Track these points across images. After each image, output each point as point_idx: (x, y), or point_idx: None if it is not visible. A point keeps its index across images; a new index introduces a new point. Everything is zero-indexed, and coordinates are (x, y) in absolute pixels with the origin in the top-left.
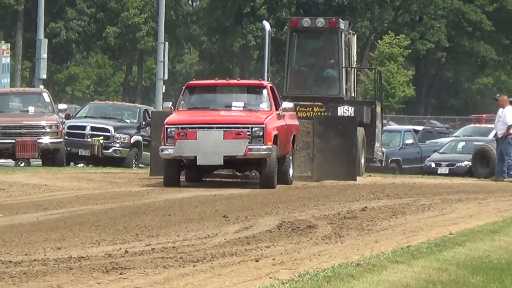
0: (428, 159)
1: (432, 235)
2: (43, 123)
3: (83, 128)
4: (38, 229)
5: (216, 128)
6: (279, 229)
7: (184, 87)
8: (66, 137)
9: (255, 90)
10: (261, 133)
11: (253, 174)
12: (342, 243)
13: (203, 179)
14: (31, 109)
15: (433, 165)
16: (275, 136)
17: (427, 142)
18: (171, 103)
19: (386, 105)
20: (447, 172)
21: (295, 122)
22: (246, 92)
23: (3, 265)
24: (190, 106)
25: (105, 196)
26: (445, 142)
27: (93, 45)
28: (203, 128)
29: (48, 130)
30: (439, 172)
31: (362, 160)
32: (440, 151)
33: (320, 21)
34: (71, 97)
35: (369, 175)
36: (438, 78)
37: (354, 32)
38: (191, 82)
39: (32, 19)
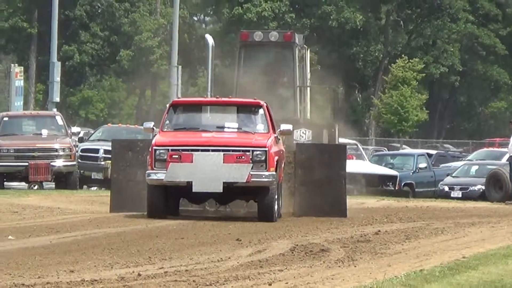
0: (441, 182)
1: (446, 259)
2: (56, 146)
3: (97, 151)
4: (51, 252)
5: (214, 150)
6: (292, 252)
7: (168, 105)
8: (79, 160)
9: (250, 109)
10: (263, 158)
11: (228, 209)
12: (355, 266)
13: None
14: (45, 132)
15: (446, 188)
16: (277, 161)
17: (441, 166)
18: (153, 123)
19: (400, 129)
20: (460, 196)
21: (283, 147)
22: (240, 112)
23: (16, 287)
24: (177, 127)
25: (118, 219)
26: (459, 166)
27: (107, 68)
28: (200, 150)
29: (61, 153)
30: (452, 195)
31: None
32: (454, 175)
33: (274, 35)
34: (85, 120)
35: (383, 199)
36: (451, 102)
37: (307, 47)
38: (177, 99)
39: (46, 42)
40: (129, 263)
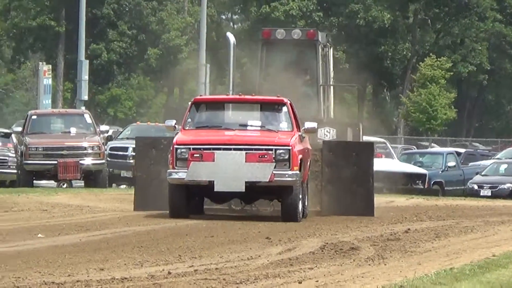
0: (470, 181)
1: (475, 257)
2: (85, 144)
3: (125, 149)
4: (81, 250)
5: (236, 149)
6: (322, 250)
7: (190, 103)
8: (108, 159)
9: (274, 107)
10: (286, 156)
11: (254, 208)
12: (385, 265)
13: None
14: (73, 130)
15: (475, 187)
16: (301, 160)
17: (470, 164)
18: (175, 121)
19: (429, 127)
20: (489, 194)
21: (309, 146)
22: (264, 110)
23: (46, 286)
24: (199, 125)
25: (147, 217)
26: (488, 164)
27: (135, 66)
28: (220, 148)
29: (90, 151)
30: (481, 194)
31: None
32: (483, 173)
33: (297, 33)
34: (113, 119)
35: (412, 197)
36: (480, 101)
37: (331, 45)
38: (199, 97)
39: (74, 41)
40: (159, 261)
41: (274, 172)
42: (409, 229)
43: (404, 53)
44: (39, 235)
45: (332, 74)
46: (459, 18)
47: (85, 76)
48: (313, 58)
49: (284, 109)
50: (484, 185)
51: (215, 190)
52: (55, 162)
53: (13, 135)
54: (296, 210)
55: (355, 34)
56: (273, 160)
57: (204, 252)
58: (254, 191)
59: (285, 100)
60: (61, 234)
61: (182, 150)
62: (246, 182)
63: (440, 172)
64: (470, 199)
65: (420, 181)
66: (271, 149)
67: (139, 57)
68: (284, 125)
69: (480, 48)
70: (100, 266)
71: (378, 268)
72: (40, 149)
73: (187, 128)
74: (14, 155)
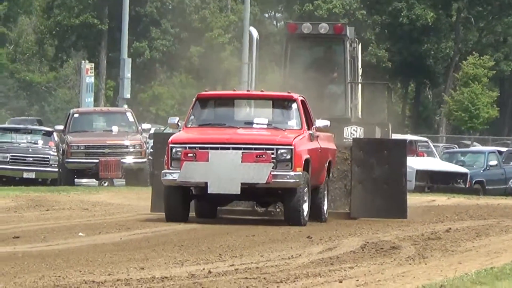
0: None
1: None
2: (126, 142)
3: None
4: (121, 249)
5: (233, 148)
6: (362, 250)
7: (194, 99)
8: (150, 157)
9: (282, 104)
10: (288, 156)
11: (278, 210)
12: (425, 264)
13: (218, 214)
14: (115, 128)
15: None
16: (306, 160)
17: (511, 163)
18: (178, 118)
19: (470, 126)
20: None
21: (332, 145)
22: (272, 107)
23: (86, 285)
24: (202, 123)
25: (189, 216)
26: None
27: (177, 65)
28: (217, 148)
29: (131, 149)
30: None
31: None
32: None
33: (324, 27)
34: (155, 117)
35: (453, 196)
36: None
37: (358, 40)
38: (204, 93)
39: (116, 39)
40: (200, 260)
41: (274, 173)
42: (450, 228)
43: (447, 51)
44: (80, 234)
45: (360, 71)
46: (502, 16)
47: (128, 74)
48: (341, 54)
49: (294, 106)
50: None
51: (208, 192)
52: (97, 160)
53: (55, 134)
54: (300, 213)
55: (398, 32)
56: (272, 160)
57: (244, 251)
58: (252, 193)
59: (295, 96)
60: (101, 232)
61: (178, 149)
62: (242, 184)
63: (482, 171)
64: None
65: (462, 180)
66: (272, 149)
67: (181, 56)
68: (292, 123)
69: None
70: (140, 265)
71: (418, 267)
72: (81, 148)
73: (189, 125)
74: (55, 154)
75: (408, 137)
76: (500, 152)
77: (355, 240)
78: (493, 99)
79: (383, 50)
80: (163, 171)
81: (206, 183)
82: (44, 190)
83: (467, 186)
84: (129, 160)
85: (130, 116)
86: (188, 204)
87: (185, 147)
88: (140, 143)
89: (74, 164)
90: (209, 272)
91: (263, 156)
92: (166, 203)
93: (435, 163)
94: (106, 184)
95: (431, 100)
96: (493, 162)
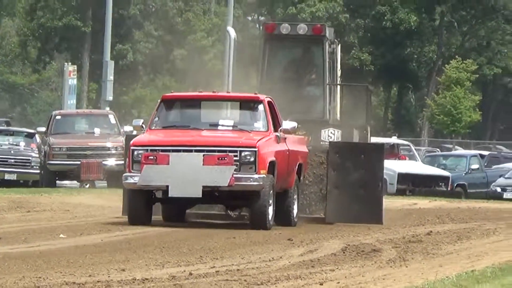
0: (494, 184)
1: (497, 260)
2: (108, 144)
3: None
4: (102, 251)
5: (195, 151)
6: (343, 252)
7: (159, 101)
8: None
9: (249, 105)
10: (252, 159)
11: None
12: (406, 267)
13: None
14: (97, 130)
15: (499, 190)
16: (272, 163)
17: (493, 167)
18: (142, 121)
19: (453, 130)
20: None
21: (303, 148)
22: (238, 108)
23: (67, 286)
24: (166, 124)
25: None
26: (511, 167)
27: (160, 67)
28: (178, 150)
29: (113, 151)
30: (504, 197)
31: None
32: (506, 176)
33: (302, 28)
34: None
35: (435, 200)
36: (505, 103)
37: (338, 41)
38: (168, 94)
39: (99, 41)
40: (180, 262)
41: (237, 175)
42: (431, 231)
43: (430, 55)
44: (61, 235)
45: (339, 73)
46: (485, 20)
47: (110, 77)
48: (320, 55)
49: (260, 107)
50: (508, 187)
51: (169, 195)
52: (79, 162)
53: (36, 135)
54: (265, 217)
55: (381, 36)
56: (236, 163)
57: (225, 253)
58: (214, 197)
59: (261, 97)
60: (83, 234)
61: (139, 152)
62: (203, 187)
63: (464, 174)
64: (493, 202)
65: (443, 184)
66: (235, 151)
67: (165, 58)
68: (259, 124)
69: (506, 50)
70: (121, 267)
71: (399, 270)
72: (63, 149)
73: (153, 128)
74: (37, 155)
75: (391, 140)
76: (482, 156)
77: (336, 243)
78: (475, 103)
79: (366, 53)
80: (124, 174)
81: (167, 187)
82: (26, 191)
83: (449, 189)
84: (111, 162)
85: (112, 119)
86: (150, 207)
87: (146, 150)
88: (122, 145)
89: (56, 166)
90: (190, 274)
91: (225, 158)
92: (128, 207)
93: (417, 167)
94: (87, 186)
95: (414, 104)
96: (475, 166)
